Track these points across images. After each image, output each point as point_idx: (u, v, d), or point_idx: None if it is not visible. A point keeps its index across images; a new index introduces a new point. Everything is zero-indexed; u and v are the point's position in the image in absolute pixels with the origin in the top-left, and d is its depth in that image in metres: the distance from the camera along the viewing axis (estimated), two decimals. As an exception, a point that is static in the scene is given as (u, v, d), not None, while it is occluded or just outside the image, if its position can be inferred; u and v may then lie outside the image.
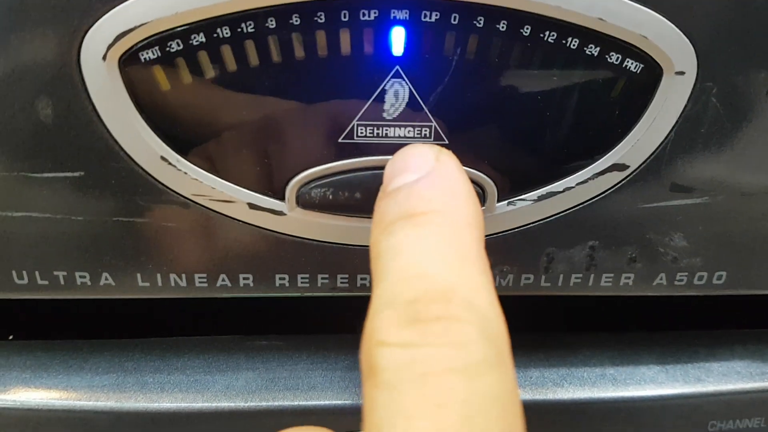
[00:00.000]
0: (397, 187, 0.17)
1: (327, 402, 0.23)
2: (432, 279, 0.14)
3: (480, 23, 0.18)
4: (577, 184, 0.20)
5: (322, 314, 0.26)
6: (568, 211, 0.20)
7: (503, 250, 0.21)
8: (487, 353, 0.13)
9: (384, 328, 0.14)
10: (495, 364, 0.13)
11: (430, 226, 0.15)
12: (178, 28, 0.17)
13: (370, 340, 0.14)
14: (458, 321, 0.14)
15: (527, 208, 0.20)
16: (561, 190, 0.20)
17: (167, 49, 0.18)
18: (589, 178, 0.20)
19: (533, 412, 0.24)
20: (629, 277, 0.22)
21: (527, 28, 0.18)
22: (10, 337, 0.26)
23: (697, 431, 0.25)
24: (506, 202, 0.20)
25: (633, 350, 0.25)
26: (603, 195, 0.20)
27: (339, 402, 0.23)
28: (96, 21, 0.17)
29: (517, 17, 0.18)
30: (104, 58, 0.18)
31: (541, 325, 0.27)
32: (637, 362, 0.25)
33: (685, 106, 0.19)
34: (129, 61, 0.18)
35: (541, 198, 0.20)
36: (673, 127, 0.19)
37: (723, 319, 0.27)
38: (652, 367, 0.25)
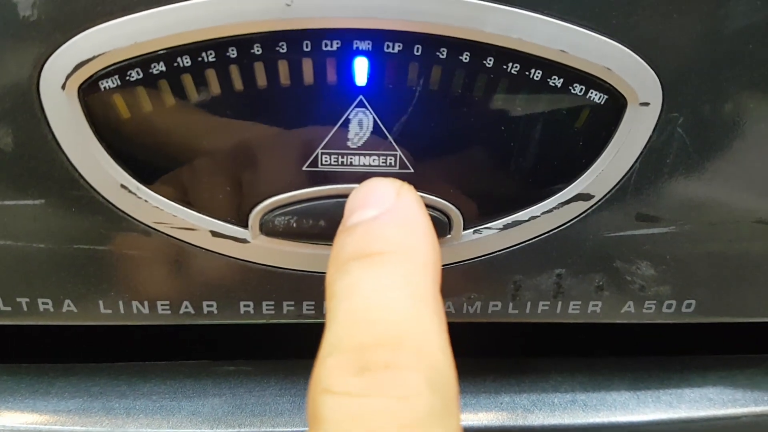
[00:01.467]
0: (355, 223, 0.16)
1: (295, 428, 0.23)
2: (382, 324, 0.14)
3: (443, 54, 0.18)
4: (543, 213, 0.20)
5: (291, 339, 0.25)
6: (534, 240, 0.20)
7: (470, 278, 0.21)
8: (434, 405, 0.13)
9: (330, 375, 0.14)
10: (442, 416, 0.13)
11: (385, 266, 0.15)
12: (138, 58, 0.17)
13: (316, 387, 0.14)
14: (407, 370, 0.13)
15: (493, 237, 0.20)
16: (526, 218, 0.20)
17: (127, 78, 0.18)
18: (554, 208, 0.20)
19: (503, 438, 0.24)
20: (597, 305, 0.22)
21: (490, 60, 0.18)
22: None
23: (668, 458, 0.25)
24: (472, 230, 0.20)
25: (604, 376, 0.25)
26: (568, 224, 0.20)
27: (306, 429, 0.23)
28: (55, 50, 0.17)
29: (480, 48, 0.18)
30: (63, 87, 0.17)
31: (512, 351, 0.27)
32: (608, 388, 0.25)
33: (650, 136, 0.19)
34: (88, 90, 0.18)
35: (506, 227, 0.20)
36: (638, 158, 0.19)
37: (696, 344, 0.27)
38: (624, 392, 0.24)
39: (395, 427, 0.13)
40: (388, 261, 0.15)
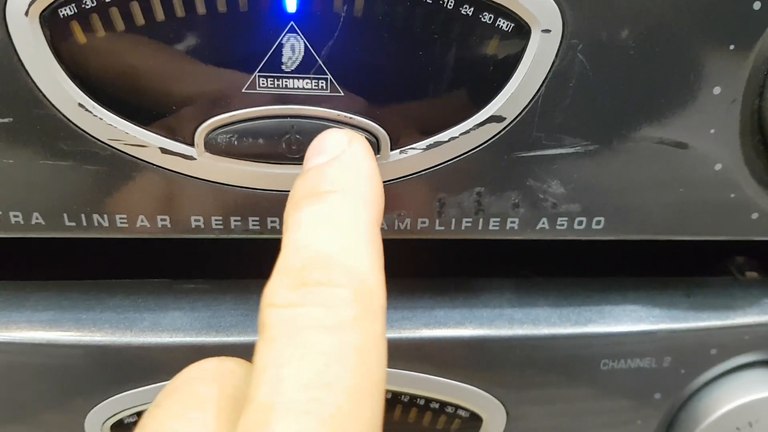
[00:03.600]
0: (309, 168, 0.19)
1: (246, 338, 0.25)
2: (319, 249, 0.17)
3: (364, -16, 0.20)
4: (460, 134, 0.22)
5: (245, 260, 0.28)
6: (454, 160, 0.23)
7: (399, 196, 0.23)
8: (357, 313, 0.16)
9: (274, 292, 0.17)
10: (363, 322, 0.16)
11: (330, 203, 0.18)
12: (91, -14, 0.19)
13: (263, 302, 0.17)
14: (337, 286, 0.16)
15: (417, 157, 0.22)
16: (446, 140, 0.22)
17: (82, 6, 0.20)
18: (471, 129, 0.22)
19: (438, 346, 0.26)
20: (514, 221, 0.24)
21: (408, -10, 0.20)
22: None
23: (590, 369, 0.27)
24: (398, 150, 0.22)
25: (530, 294, 0.27)
26: (484, 145, 0.22)
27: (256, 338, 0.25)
28: (17, -21, 0.19)
29: (398, -21, 0.20)
30: (26, 14, 0.20)
31: (448, 271, 0.29)
32: (532, 305, 0.27)
33: (553, 62, 0.21)
34: (49, 17, 0.20)
35: (429, 147, 0.22)
36: (543, 82, 0.21)
37: (617, 267, 0.29)
38: (547, 309, 0.27)
39: (319, 327, 0.16)
40: (333, 198, 0.18)
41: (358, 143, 0.20)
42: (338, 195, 0.18)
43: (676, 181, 0.23)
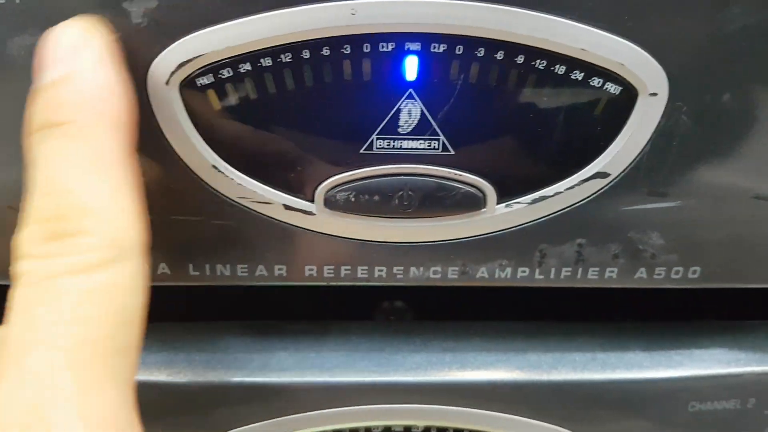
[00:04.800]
0: (40, 87, 0.18)
1: (349, 379, 0.26)
2: (68, 196, 0.17)
3: (480, 53, 0.21)
4: (566, 189, 0.23)
5: (346, 303, 0.29)
6: (558, 213, 0.24)
7: (501, 247, 0.24)
8: (105, 257, 0.17)
9: (27, 242, 0.17)
10: (110, 263, 0.17)
11: (70, 137, 0.17)
12: (228, 59, 0.21)
13: (16, 251, 0.17)
14: (85, 234, 0.17)
15: (522, 210, 0.23)
16: (552, 194, 0.23)
17: (219, 75, 0.21)
18: (576, 184, 0.23)
19: (530, 391, 0.27)
20: (613, 271, 0.25)
21: (521, 57, 0.21)
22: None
23: (678, 411, 0.28)
24: (504, 204, 0.23)
25: (621, 338, 0.28)
26: (588, 199, 0.23)
27: (358, 379, 0.26)
28: (161, 52, 0.21)
29: (512, 48, 0.21)
30: (167, 83, 0.21)
31: (539, 316, 0.30)
32: (624, 349, 0.28)
33: (659, 122, 0.22)
34: (187, 86, 0.21)
35: (534, 201, 0.23)
36: (648, 141, 0.22)
37: (705, 312, 0.30)
38: (639, 353, 0.28)
39: (68, 273, 0.17)
40: (72, 131, 0.17)
41: (89, 52, 0.18)
42: (77, 126, 0.17)
43: (771, 233, 0.24)
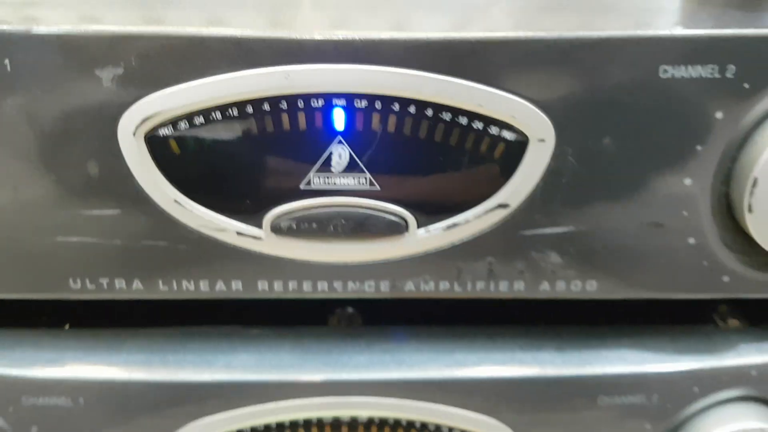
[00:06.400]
0: None
1: (302, 377, 0.31)
2: None
3: (396, 108, 0.25)
4: (474, 218, 0.27)
5: (298, 311, 0.33)
6: (469, 237, 0.28)
7: (424, 265, 0.28)
8: None
9: None
10: None
11: None
12: (185, 114, 0.25)
13: None
14: None
15: (439, 234, 0.28)
16: (462, 221, 0.27)
17: (177, 127, 0.25)
18: (482, 213, 0.27)
19: (456, 385, 0.31)
20: (521, 284, 0.29)
21: (430, 110, 0.25)
22: (66, 327, 0.34)
23: (588, 404, 0.32)
24: (423, 229, 0.28)
25: (537, 340, 0.32)
26: (494, 225, 0.27)
27: (310, 376, 0.31)
28: (128, 108, 0.25)
29: (421, 104, 0.25)
30: (134, 134, 0.25)
31: (467, 321, 0.34)
32: (540, 349, 0.32)
33: (549, 163, 0.26)
34: (151, 135, 0.26)
35: (448, 227, 0.27)
36: (541, 178, 0.26)
37: (613, 316, 0.34)
38: (552, 353, 0.32)
39: None
40: None
41: None
42: None
43: (655, 252, 0.28)
